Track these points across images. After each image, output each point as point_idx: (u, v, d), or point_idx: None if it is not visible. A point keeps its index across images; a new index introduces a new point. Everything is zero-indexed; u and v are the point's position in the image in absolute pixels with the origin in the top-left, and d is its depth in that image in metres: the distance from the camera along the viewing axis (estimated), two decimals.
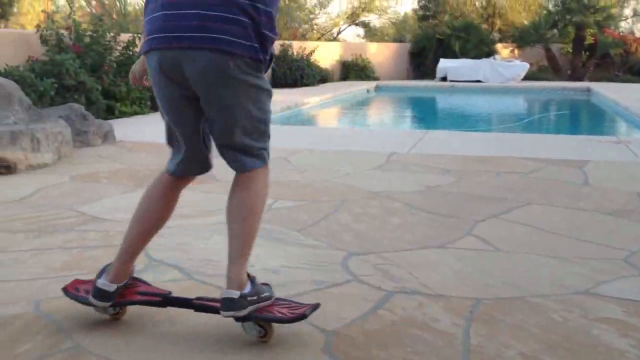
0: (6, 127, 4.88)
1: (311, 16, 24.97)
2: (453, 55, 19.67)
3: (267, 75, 2.29)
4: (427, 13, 24.92)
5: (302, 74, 15.59)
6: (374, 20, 26.98)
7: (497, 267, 2.82)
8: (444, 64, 18.90)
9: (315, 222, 3.53)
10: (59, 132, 5.25)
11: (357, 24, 26.50)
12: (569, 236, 3.29)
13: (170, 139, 2.34)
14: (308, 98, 12.35)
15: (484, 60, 18.63)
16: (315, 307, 2.14)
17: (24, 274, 2.66)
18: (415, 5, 26.06)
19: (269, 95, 2.16)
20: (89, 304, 2.18)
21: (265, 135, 2.20)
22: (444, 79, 18.64)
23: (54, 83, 7.13)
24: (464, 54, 19.71)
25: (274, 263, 2.84)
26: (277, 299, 2.18)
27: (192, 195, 4.15)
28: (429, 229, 3.41)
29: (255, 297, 2.07)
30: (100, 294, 2.14)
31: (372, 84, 17.26)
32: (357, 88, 15.76)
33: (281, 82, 15.43)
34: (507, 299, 2.45)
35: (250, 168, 2.19)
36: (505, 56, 21.02)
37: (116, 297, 2.17)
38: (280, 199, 4.05)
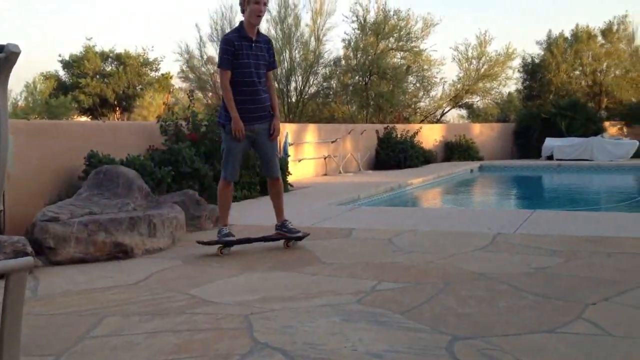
0: (126, 214, 5.24)
1: (414, 99, 25.35)
2: (559, 134, 19.26)
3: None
4: (532, 93, 24.70)
5: (406, 155, 15.73)
6: (477, 101, 26.98)
7: (610, 354, 2.68)
8: (550, 143, 18.52)
9: (419, 304, 3.50)
10: (174, 217, 5.56)
11: (460, 106, 26.57)
12: None
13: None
14: (412, 179, 12.40)
15: (591, 139, 18.10)
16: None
17: (136, 357, 2.79)
18: (519, 86, 25.92)
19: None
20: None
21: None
22: (550, 157, 18.22)
23: (171, 171, 7.58)
24: (570, 132, 19.26)
25: (377, 347, 2.83)
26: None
27: (299, 277, 4.25)
28: (538, 313, 3.30)
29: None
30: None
31: (476, 164, 17.12)
32: (461, 168, 15.67)
33: (385, 164, 15.63)
34: None
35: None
36: (614, 134, 20.33)
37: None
38: (384, 280, 4.07)
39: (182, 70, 24.83)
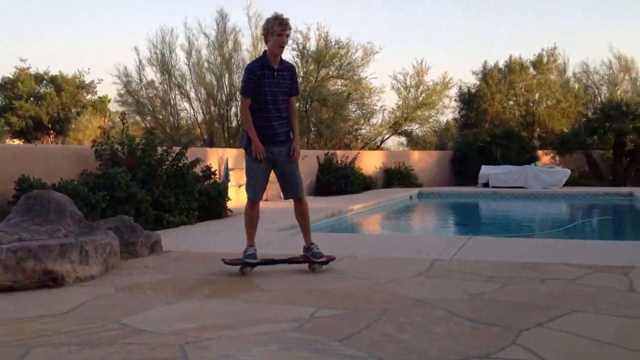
0: (57, 240, 5.05)
1: (355, 127, 25.64)
2: (494, 161, 19.81)
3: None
4: (469, 121, 25.36)
5: (346, 181, 15.84)
6: (416, 129, 27.52)
7: None
8: (486, 170, 19.00)
9: (358, 331, 3.49)
10: (108, 243, 5.40)
11: (399, 133, 27.02)
12: (616, 345, 3.18)
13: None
14: (352, 205, 12.47)
15: (525, 167, 18.68)
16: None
17: None
18: (457, 115, 26.60)
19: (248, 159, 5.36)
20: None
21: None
22: (486, 184, 18.69)
23: (106, 196, 7.40)
24: (505, 160, 19.83)
25: None
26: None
27: (236, 304, 4.18)
28: (473, 338, 3.33)
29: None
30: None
31: (414, 191, 17.38)
32: (400, 195, 15.87)
33: (326, 189, 15.68)
34: None
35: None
36: (546, 162, 21.04)
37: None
38: (323, 307, 4.04)
39: (120, 94, 24.40)
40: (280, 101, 5.29)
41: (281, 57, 5.29)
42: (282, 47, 5.21)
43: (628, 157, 19.96)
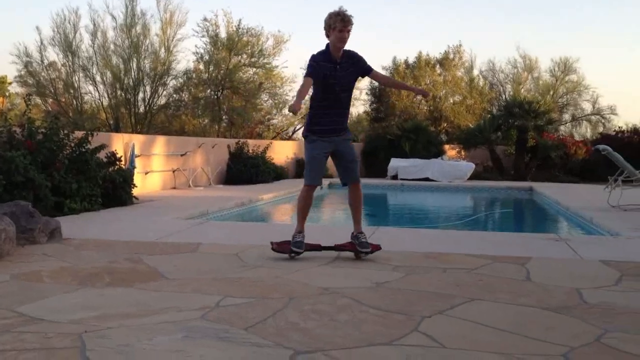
0: None
1: (267, 116, 25.55)
2: (403, 154, 20.26)
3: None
4: (379, 115, 25.82)
5: (257, 171, 15.76)
6: None
7: None
8: (395, 163, 19.42)
9: (264, 319, 3.48)
10: (2, 229, 5.13)
11: None
12: (512, 332, 3.32)
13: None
14: (262, 194, 12.43)
15: (432, 160, 19.22)
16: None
17: None
18: (368, 108, 27.02)
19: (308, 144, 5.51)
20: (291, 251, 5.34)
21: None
22: (395, 177, 19.10)
23: (2, 180, 7.03)
24: (413, 153, 20.34)
25: None
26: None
27: (139, 293, 4.07)
28: (376, 326, 3.40)
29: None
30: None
31: (325, 182, 17.51)
32: None
33: (236, 179, 15.52)
34: None
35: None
36: (452, 156, 21.74)
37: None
38: (229, 296, 4.00)
39: (20, 75, 23.22)
40: (341, 92, 5.36)
41: (344, 50, 5.32)
42: (343, 42, 5.25)
43: (529, 153, 20.92)
